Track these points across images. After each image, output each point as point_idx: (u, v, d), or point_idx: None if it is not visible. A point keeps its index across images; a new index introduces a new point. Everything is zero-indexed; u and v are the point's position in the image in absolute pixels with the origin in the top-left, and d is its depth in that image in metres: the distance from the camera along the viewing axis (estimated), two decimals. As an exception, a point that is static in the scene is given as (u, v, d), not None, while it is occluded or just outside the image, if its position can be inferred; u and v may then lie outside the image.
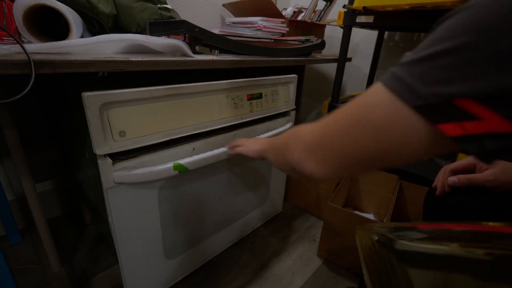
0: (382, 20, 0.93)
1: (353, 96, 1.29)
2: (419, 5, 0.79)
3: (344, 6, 0.97)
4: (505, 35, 0.18)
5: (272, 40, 0.94)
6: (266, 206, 1.00)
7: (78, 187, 0.93)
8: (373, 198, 1.07)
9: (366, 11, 0.94)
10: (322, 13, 1.23)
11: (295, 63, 0.90)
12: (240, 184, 0.84)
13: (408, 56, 0.23)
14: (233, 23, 1.11)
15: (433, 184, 0.55)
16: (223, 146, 0.68)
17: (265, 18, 1.00)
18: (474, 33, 0.19)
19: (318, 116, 1.68)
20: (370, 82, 1.37)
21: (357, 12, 0.96)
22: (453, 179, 0.47)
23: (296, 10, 1.30)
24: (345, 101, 1.20)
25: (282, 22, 1.06)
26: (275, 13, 1.07)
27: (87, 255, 0.86)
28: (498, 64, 0.18)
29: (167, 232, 0.67)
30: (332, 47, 1.48)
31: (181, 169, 0.57)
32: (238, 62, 0.71)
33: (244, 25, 1.05)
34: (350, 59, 1.26)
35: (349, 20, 0.98)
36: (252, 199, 0.92)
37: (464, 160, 0.51)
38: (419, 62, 0.22)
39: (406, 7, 0.83)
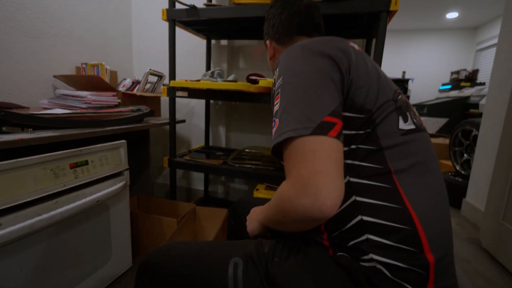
0: (194, 94, 1.25)
1: (194, 149, 1.56)
2: (211, 87, 1.15)
3: (164, 85, 1.25)
4: None
5: (99, 112, 1.07)
6: (111, 265, 1.02)
7: None
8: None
9: (181, 88, 1.25)
10: (155, 85, 1.48)
11: (123, 130, 1.06)
12: (70, 249, 0.85)
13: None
14: (63, 95, 1.17)
15: None
16: (39, 215, 0.72)
17: (94, 93, 1.13)
18: None
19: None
20: (207, 136, 1.70)
21: (175, 88, 1.25)
22: None
23: (134, 81, 1.50)
24: (184, 154, 1.43)
25: (114, 95, 1.22)
26: (107, 87, 1.23)
27: None
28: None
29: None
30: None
31: (-21, 247, 0.58)
32: (55, 137, 0.80)
33: (74, 98, 1.14)
34: (183, 121, 1.54)
35: (171, 93, 1.26)
36: (90, 262, 0.93)
37: None
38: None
39: (204, 88, 1.18)
